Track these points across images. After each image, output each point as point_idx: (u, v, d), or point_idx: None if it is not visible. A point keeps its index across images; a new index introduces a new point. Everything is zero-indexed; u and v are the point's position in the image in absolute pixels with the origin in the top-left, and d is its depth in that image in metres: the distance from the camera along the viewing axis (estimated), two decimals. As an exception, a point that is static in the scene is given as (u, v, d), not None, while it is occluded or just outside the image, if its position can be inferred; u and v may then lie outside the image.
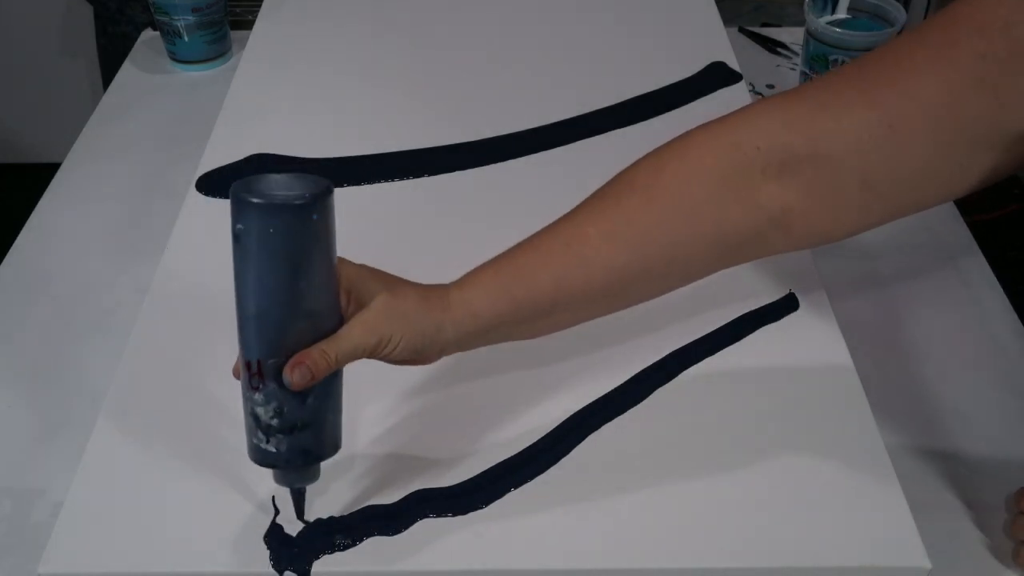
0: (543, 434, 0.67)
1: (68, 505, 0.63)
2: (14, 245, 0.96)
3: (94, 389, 0.78)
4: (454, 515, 0.62)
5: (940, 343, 0.85)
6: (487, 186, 0.91)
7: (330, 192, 0.54)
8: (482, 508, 0.63)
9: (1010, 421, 0.79)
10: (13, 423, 0.79)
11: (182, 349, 0.74)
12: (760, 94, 1.16)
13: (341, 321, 0.57)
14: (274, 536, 0.61)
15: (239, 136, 0.96)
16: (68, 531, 0.62)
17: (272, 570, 0.59)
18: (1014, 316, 0.88)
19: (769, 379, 0.71)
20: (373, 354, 0.57)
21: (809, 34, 1.08)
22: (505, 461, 0.65)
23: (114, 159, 1.07)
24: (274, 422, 0.55)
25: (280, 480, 0.59)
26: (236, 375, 0.57)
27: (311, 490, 0.62)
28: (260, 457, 0.57)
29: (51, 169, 1.06)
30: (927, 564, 0.60)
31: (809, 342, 0.74)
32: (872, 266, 0.93)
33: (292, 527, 0.61)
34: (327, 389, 0.56)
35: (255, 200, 0.52)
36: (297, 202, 0.52)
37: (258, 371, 0.55)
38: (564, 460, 0.66)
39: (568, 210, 0.63)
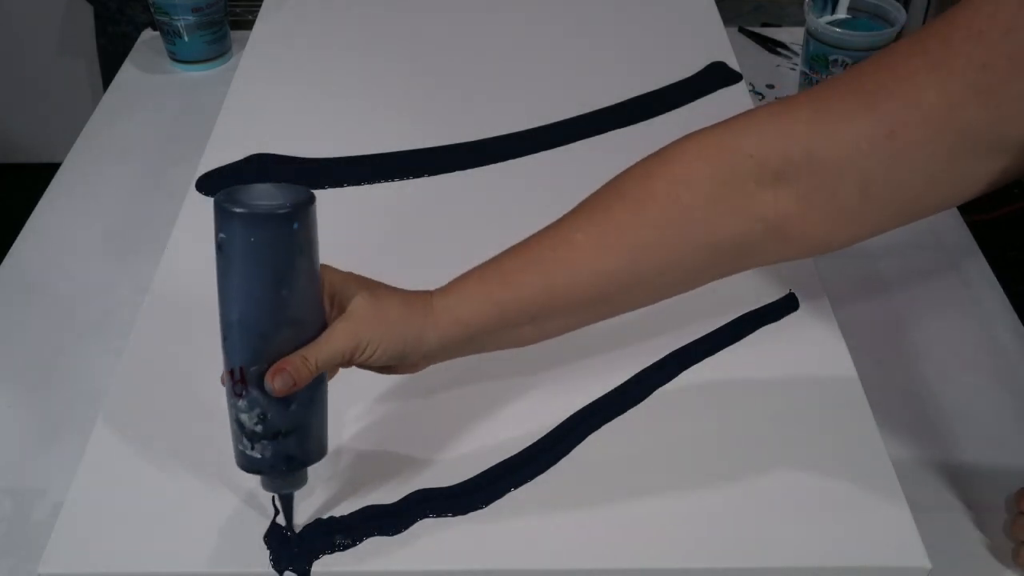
0: (543, 434, 0.67)
1: (68, 505, 0.63)
2: (14, 245, 0.96)
3: (94, 389, 0.79)
4: (454, 515, 0.62)
5: (940, 343, 0.85)
6: (487, 186, 0.90)
7: (312, 201, 0.55)
8: (482, 508, 0.63)
9: (1010, 421, 0.79)
10: (13, 423, 0.79)
11: (182, 349, 0.74)
12: (760, 94, 1.16)
13: (324, 328, 0.57)
14: (274, 536, 0.61)
15: (239, 136, 0.96)
16: (68, 531, 0.62)
17: (272, 570, 0.59)
18: (1014, 316, 0.88)
19: (769, 379, 0.71)
20: (352, 359, 0.57)
21: (809, 34, 1.08)
22: (505, 461, 0.65)
23: (114, 159, 1.07)
24: (258, 428, 0.56)
25: (267, 486, 0.59)
26: (223, 382, 0.57)
27: (309, 490, 0.62)
28: (246, 463, 0.58)
29: (51, 169, 1.06)
30: (927, 564, 0.60)
31: (809, 342, 0.74)
32: (872, 266, 0.93)
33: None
34: (311, 395, 0.57)
35: (237, 210, 0.53)
36: (279, 211, 0.53)
37: (241, 378, 0.55)
38: (564, 460, 0.66)
39: (562, 214, 0.62)
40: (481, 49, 1.11)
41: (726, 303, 0.77)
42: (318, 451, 0.59)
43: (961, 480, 0.74)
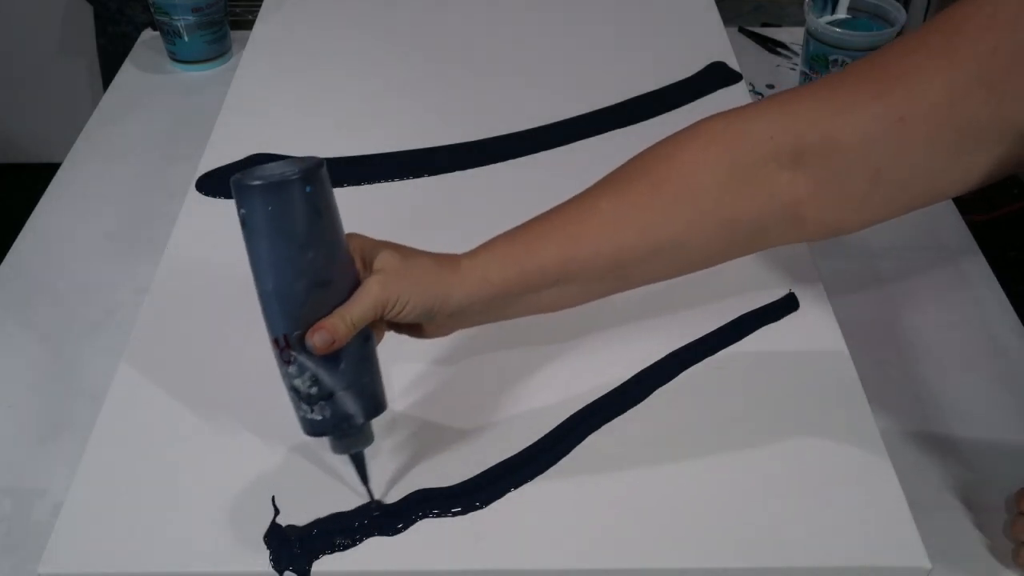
0: (543, 434, 0.67)
1: (68, 505, 0.63)
2: (14, 245, 0.96)
3: (94, 389, 0.78)
4: (454, 515, 0.62)
5: (940, 343, 0.85)
6: (487, 186, 0.91)
7: (321, 165, 0.57)
8: (482, 508, 0.63)
9: (1010, 421, 0.79)
10: (13, 423, 0.79)
11: (182, 349, 0.74)
12: (760, 94, 1.16)
13: (358, 287, 0.58)
14: (274, 536, 0.61)
15: (239, 136, 0.96)
16: (68, 531, 0.62)
17: (272, 570, 0.59)
18: (1014, 316, 0.88)
19: (769, 379, 0.71)
20: (385, 313, 0.58)
21: (809, 34, 1.08)
22: (505, 461, 0.65)
23: (114, 159, 1.07)
24: (313, 391, 0.58)
25: (337, 449, 0.61)
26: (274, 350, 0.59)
27: (309, 490, 0.62)
28: (310, 428, 0.60)
29: (51, 169, 1.06)
30: (927, 564, 0.60)
31: (809, 342, 0.74)
32: (872, 266, 0.93)
33: (294, 525, 0.62)
34: (358, 353, 0.58)
35: (252, 183, 0.55)
36: (291, 177, 0.55)
37: (286, 345, 0.57)
38: (564, 460, 0.66)
39: None
40: (481, 49, 1.11)
41: (726, 303, 0.77)
42: (376, 406, 0.60)
43: (961, 480, 0.74)
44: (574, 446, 0.67)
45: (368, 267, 0.60)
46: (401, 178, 0.91)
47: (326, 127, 0.98)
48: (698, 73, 1.04)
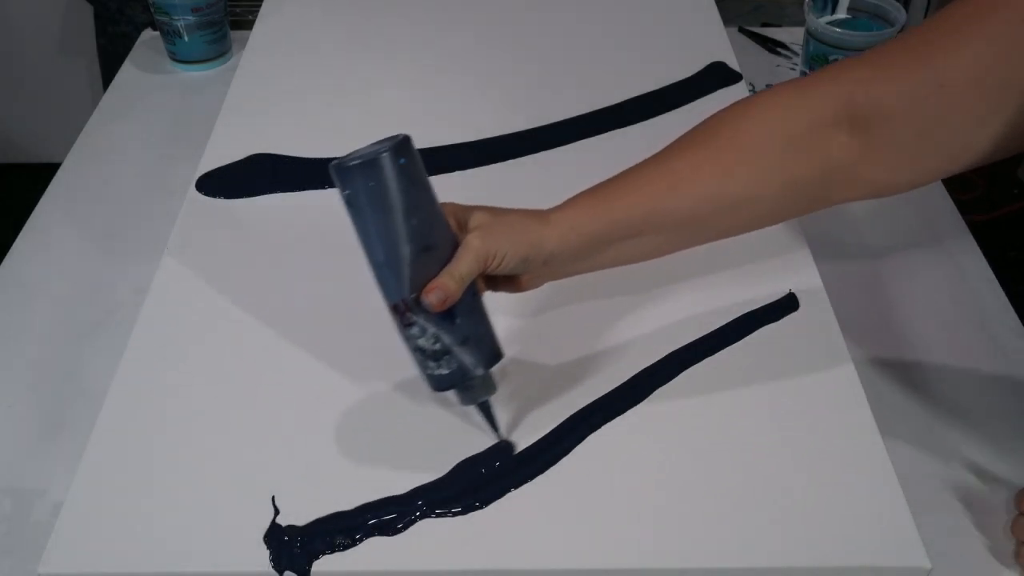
0: (543, 434, 0.67)
1: (68, 505, 0.63)
2: (14, 245, 0.96)
3: (94, 389, 0.78)
4: (454, 515, 0.62)
5: (940, 343, 0.85)
6: (487, 186, 0.90)
7: (408, 139, 0.61)
8: (482, 508, 0.63)
9: (1010, 421, 0.79)
10: (13, 423, 0.79)
11: (182, 349, 0.74)
12: (760, 94, 1.16)
13: (457, 247, 0.62)
14: (274, 536, 0.61)
15: (239, 136, 0.96)
16: (68, 531, 0.62)
17: (272, 570, 0.60)
18: (1014, 316, 0.88)
19: (769, 379, 0.71)
20: (487, 266, 0.62)
21: (809, 34, 1.08)
22: (505, 461, 0.65)
23: (114, 159, 1.07)
24: (437, 347, 0.62)
25: (465, 400, 0.65)
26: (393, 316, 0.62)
27: (308, 490, 0.62)
28: (438, 383, 0.64)
29: (51, 169, 1.06)
30: (927, 564, 0.60)
31: (809, 342, 0.74)
32: (872, 266, 0.93)
33: (294, 525, 0.62)
34: (469, 307, 0.62)
35: (352, 163, 0.59)
36: (384, 153, 0.59)
37: (406, 309, 0.61)
38: (564, 460, 0.66)
39: None
40: (481, 49, 1.11)
41: (726, 303, 0.77)
42: (495, 354, 0.64)
43: (961, 480, 0.74)
44: (574, 446, 0.67)
45: (463, 228, 0.63)
46: (401, 178, 0.91)
47: (326, 127, 0.98)
48: (698, 73, 1.04)
